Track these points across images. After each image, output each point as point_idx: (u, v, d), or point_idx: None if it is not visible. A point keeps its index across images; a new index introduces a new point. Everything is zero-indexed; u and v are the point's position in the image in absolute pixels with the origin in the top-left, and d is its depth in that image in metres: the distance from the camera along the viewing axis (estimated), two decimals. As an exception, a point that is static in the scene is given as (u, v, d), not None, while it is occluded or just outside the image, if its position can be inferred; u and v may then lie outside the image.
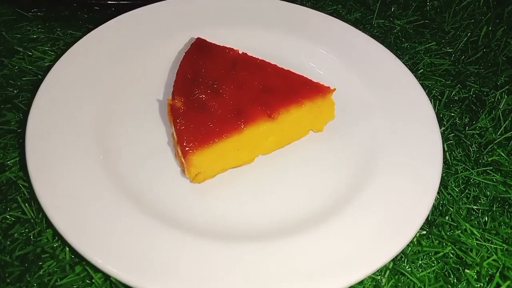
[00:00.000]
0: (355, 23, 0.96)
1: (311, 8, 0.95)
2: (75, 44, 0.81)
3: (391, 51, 0.96)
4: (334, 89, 0.75)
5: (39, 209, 0.64)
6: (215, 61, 0.76)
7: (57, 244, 0.62)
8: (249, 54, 0.79)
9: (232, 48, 0.79)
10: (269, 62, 0.77)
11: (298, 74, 0.76)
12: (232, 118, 0.68)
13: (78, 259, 0.61)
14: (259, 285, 0.57)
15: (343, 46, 0.89)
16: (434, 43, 1.00)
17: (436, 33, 1.03)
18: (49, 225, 0.62)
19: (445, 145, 0.80)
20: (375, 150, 0.75)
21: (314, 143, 0.77)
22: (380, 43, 0.97)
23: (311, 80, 0.75)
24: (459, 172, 0.77)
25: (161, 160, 0.72)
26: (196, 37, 0.82)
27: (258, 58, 0.78)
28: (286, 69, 0.77)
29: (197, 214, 0.66)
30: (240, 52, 0.79)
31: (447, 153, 0.78)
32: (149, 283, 0.56)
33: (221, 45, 0.80)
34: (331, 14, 0.96)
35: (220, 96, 0.71)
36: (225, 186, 0.71)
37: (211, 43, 0.81)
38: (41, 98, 0.73)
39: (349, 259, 0.60)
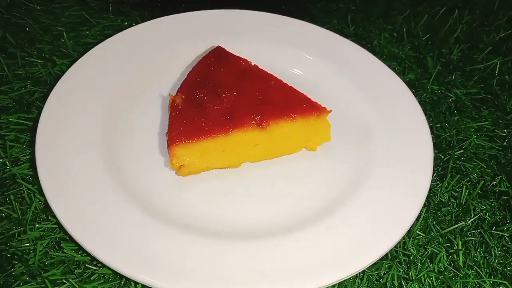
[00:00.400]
0: (407, 85, 0.90)
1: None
2: (95, 47, 0.86)
3: (438, 121, 0.89)
4: (330, 111, 0.76)
5: (29, 209, 0.67)
6: (226, 69, 0.80)
7: (32, 248, 0.64)
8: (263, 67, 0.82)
9: (246, 60, 0.83)
10: (275, 77, 0.80)
11: (300, 92, 0.78)
12: (223, 121, 0.72)
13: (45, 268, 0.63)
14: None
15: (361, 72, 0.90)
16: (489, 122, 0.90)
17: (495, 112, 0.92)
18: (37, 225, 0.66)
19: (461, 242, 0.71)
20: (364, 174, 0.75)
21: (305, 159, 0.79)
22: (430, 110, 0.91)
23: (309, 98, 0.77)
24: (470, 277, 0.68)
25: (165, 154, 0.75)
26: (216, 45, 0.86)
27: (267, 72, 0.81)
28: (290, 85, 0.79)
29: (178, 206, 0.70)
30: (253, 64, 0.82)
31: (460, 252, 0.69)
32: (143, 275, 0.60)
33: (237, 55, 0.83)
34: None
35: (220, 100, 0.75)
36: (209, 184, 0.74)
37: (228, 52, 0.84)
38: (56, 95, 0.78)
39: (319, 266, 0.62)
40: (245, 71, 0.80)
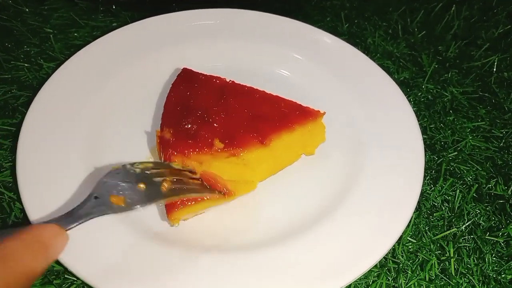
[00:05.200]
0: (401, 84, 0.87)
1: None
2: (79, 51, 0.84)
3: (433, 121, 0.86)
4: (324, 113, 0.74)
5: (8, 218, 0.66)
6: (203, 91, 0.75)
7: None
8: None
9: (219, 77, 0.77)
10: (257, 89, 0.76)
11: (287, 99, 0.75)
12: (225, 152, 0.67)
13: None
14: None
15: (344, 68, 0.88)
16: (486, 122, 0.87)
17: (492, 111, 0.90)
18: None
19: (453, 249, 0.69)
20: (354, 180, 0.73)
21: (290, 170, 0.75)
22: (424, 110, 0.88)
23: (300, 104, 0.74)
24: (462, 285, 0.65)
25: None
26: (182, 68, 0.80)
27: (246, 86, 0.76)
28: (275, 94, 0.75)
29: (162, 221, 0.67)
30: (228, 80, 0.77)
31: (452, 260, 0.67)
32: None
33: (208, 74, 0.78)
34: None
35: (210, 125, 0.69)
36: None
37: (197, 72, 0.79)
38: (39, 100, 0.76)
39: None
40: (223, 89, 0.75)
